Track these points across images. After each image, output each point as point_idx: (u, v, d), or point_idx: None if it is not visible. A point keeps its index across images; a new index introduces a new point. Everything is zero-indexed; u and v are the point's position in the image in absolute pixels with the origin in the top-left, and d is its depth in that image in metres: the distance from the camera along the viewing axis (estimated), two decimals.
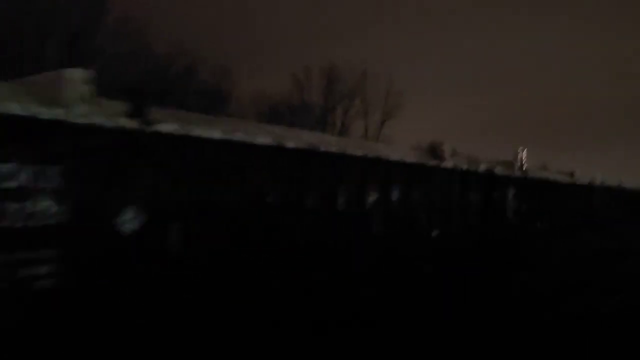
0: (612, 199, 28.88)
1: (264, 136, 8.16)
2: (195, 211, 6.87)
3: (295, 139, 9.05)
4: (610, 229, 23.32)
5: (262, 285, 7.45)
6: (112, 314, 5.37)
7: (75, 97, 5.59)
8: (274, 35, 54.96)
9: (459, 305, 6.91)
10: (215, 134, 7.03)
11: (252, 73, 53.42)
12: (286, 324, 6.03)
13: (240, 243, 7.63)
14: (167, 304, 5.95)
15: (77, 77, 5.76)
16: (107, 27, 26.80)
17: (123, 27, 27.59)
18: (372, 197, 9.11)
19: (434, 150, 12.27)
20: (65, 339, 4.83)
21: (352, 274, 8.22)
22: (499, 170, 15.68)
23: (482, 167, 14.67)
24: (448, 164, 12.81)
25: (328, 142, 9.69)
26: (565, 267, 11.80)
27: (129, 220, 6.02)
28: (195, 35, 49.15)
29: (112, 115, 5.82)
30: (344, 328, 5.87)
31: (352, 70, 40.27)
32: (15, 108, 4.84)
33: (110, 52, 26.34)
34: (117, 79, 25.74)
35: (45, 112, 5.20)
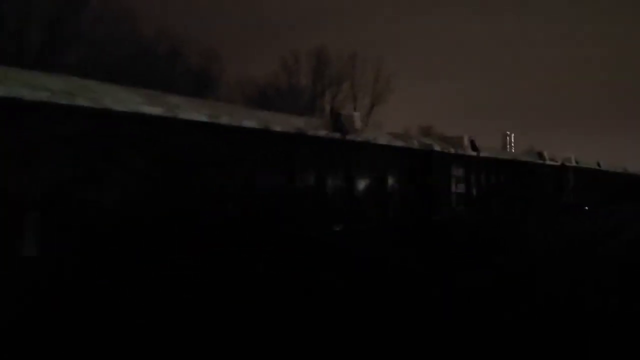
0: (588, 181, 28.04)
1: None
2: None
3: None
4: (580, 213, 21.92)
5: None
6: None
7: None
8: (262, 19, 54.44)
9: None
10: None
11: (240, 57, 52.97)
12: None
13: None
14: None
15: None
16: (89, 10, 26.26)
17: (107, 10, 27.05)
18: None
19: (337, 121, 9.62)
20: None
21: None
22: (438, 147, 12.97)
23: (415, 144, 11.84)
24: (356, 138, 9.64)
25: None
26: (513, 261, 9.85)
27: None
28: (182, 18, 48.51)
29: None
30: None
31: (341, 54, 40.02)
32: None
33: (93, 36, 25.82)
34: (102, 62, 25.30)
35: None
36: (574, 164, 25.96)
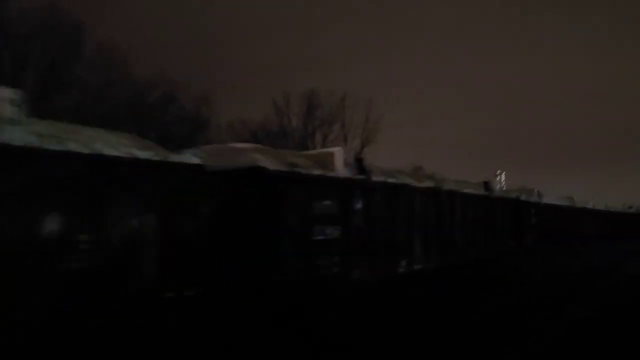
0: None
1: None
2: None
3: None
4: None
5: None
6: None
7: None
8: (254, 62, 55.50)
9: None
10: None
11: (233, 100, 53.75)
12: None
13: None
14: None
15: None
16: (85, 55, 26.85)
17: (101, 55, 27.65)
18: None
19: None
20: None
21: None
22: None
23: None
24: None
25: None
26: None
27: None
28: (174, 63, 49.43)
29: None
30: None
31: (331, 95, 40.72)
32: None
33: (88, 81, 26.33)
34: (96, 106, 25.71)
35: None
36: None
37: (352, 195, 9.68)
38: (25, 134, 5.24)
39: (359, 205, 9.86)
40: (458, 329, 7.21)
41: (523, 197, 22.54)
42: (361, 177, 10.22)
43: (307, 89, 40.52)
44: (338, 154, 9.78)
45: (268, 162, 7.84)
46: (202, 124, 33.02)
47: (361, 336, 6.80)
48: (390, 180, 11.05)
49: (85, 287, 5.60)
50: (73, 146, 5.66)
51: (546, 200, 26.03)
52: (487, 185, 18.28)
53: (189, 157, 6.97)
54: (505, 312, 8.66)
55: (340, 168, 9.67)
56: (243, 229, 7.30)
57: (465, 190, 15.46)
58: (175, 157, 6.81)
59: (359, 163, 10.76)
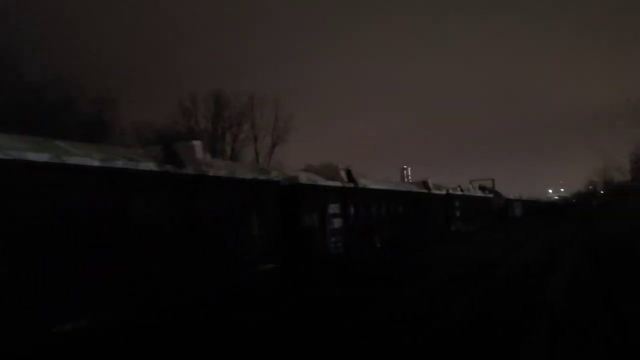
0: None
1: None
2: None
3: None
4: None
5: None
6: None
7: None
8: (159, 64, 53.90)
9: None
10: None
11: (139, 104, 51.92)
12: None
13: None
14: None
15: None
16: None
17: None
18: None
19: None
20: None
21: None
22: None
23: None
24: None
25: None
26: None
27: None
28: (73, 66, 46.82)
29: None
30: None
31: (239, 95, 40.39)
32: None
33: None
34: None
35: None
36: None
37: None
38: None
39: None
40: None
41: (450, 191, 26.26)
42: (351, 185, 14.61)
43: (213, 90, 39.91)
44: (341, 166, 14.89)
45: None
46: (105, 128, 31.49)
47: None
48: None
49: None
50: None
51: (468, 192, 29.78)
52: (425, 183, 22.28)
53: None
54: None
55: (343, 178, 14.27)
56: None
57: (413, 190, 20.92)
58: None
59: (348, 174, 14.72)
